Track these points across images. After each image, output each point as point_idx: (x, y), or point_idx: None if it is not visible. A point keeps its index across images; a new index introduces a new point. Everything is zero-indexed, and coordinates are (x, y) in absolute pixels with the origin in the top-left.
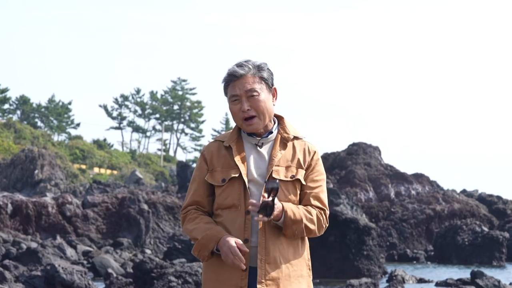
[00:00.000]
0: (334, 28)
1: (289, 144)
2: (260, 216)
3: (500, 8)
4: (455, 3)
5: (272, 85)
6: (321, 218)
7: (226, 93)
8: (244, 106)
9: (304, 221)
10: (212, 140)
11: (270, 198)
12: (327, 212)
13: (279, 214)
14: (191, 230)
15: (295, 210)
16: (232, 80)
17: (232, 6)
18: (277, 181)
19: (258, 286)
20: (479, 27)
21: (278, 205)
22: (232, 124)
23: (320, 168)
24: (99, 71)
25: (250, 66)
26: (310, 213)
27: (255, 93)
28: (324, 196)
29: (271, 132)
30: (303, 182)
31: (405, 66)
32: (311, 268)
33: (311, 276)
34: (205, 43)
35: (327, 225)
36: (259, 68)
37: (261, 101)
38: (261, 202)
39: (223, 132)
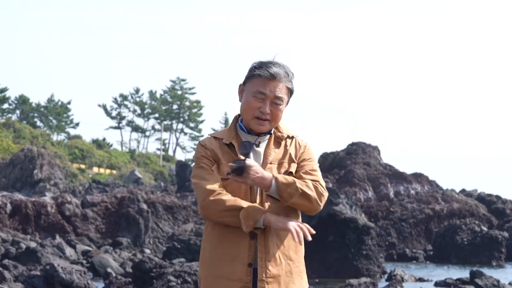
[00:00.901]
0: (334, 28)
1: (282, 143)
2: (233, 175)
3: (500, 8)
4: (455, 3)
5: (290, 97)
6: (318, 186)
7: (249, 81)
8: (266, 109)
9: (298, 184)
10: (209, 136)
11: (241, 157)
12: (322, 183)
13: (266, 182)
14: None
15: (285, 176)
16: (266, 77)
17: (231, 6)
18: (250, 142)
19: (259, 284)
20: (479, 27)
21: (260, 172)
22: (230, 123)
23: (312, 157)
24: (98, 71)
25: (288, 73)
26: (304, 180)
27: (280, 102)
28: (318, 174)
29: (269, 132)
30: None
31: (405, 66)
32: (304, 265)
33: (305, 272)
34: (204, 43)
35: (326, 194)
36: (290, 78)
37: (280, 111)
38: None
39: None
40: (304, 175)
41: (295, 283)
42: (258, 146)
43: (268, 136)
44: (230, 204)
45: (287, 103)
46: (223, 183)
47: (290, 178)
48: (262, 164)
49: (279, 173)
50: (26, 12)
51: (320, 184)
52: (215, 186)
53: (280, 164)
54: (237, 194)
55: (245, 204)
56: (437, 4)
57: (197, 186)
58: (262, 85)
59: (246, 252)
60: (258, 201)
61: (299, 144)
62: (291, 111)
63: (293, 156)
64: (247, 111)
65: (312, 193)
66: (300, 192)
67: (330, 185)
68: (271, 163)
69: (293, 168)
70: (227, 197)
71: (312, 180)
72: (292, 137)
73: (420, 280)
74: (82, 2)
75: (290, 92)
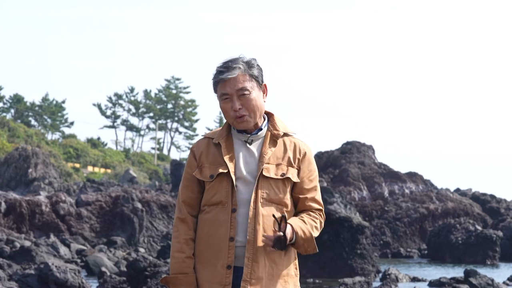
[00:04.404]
0: (329, 27)
1: (279, 141)
2: (274, 248)
3: (499, 7)
4: (452, 2)
5: (262, 81)
6: (322, 220)
7: (215, 90)
8: (236, 105)
9: (314, 234)
10: (202, 137)
11: (281, 233)
12: (322, 207)
13: (290, 237)
14: (173, 254)
15: (304, 228)
16: (221, 79)
17: (226, 5)
18: (284, 214)
19: (242, 284)
20: (472, 24)
21: (288, 228)
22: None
23: (313, 166)
24: (93, 70)
25: (240, 65)
26: (314, 221)
27: (246, 92)
28: (319, 195)
29: (261, 129)
30: (295, 180)
31: (400, 66)
32: (298, 267)
33: (298, 275)
34: (199, 42)
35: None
36: (249, 65)
37: (252, 100)
38: (273, 236)
39: None
40: (311, 203)
41: (276, 286)
42: (250, 144)
43: (260, 133)
44: (173, 255)
45: (263, 91)
46: (206, 186)
47: (307, 231)
48: (258, 163)
49: (276, 174)
50: (20, 11)
51: (323, 214)
52: (186, 196)
53: (278, 166)
54: (219, 195)
55: (179, 260)
56: (433, 4)
57: (176, 202)
58: (222, 87)
59: (226, 254)
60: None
61: (299, 147)
62: (285, 110)
63: (291, 159)
64: (225, 116)
65: (317, 234)
66: (314, 248)
67: (325, 184)
68: (268, 163)
69: (290, 173)
70: (178, 242)
71: (318, 210)
72: (290, 135)
73: (415, 279)
74: (78, 1)
75: (255, 77)
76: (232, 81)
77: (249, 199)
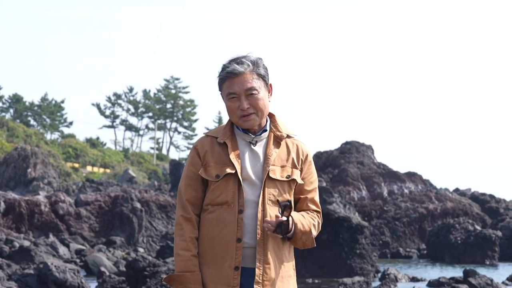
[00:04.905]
0: (329, 27)
1: (282, 143)
2: (276, 233)
3: (499, 7)
4: (452, 2)
5: (268, 81)
6: (320, 221)
7: (221, 88)
8: (244, 105)
9: (312, 230)
10: (204, 135)
11: (285, 218)
12: (320, 208)
13: (290, 227)
14: (178, 252)
15: (303, 221)
16: (229, 77)
17: (226, 5)
18: (290, 199)
19: (255, 286)
20: (471, 24)
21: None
22: (225, 122)
23: (313, 169)
24: (92, 70)
25: (249, 63)
26: (313, 219)
27: (254, 92)
28: (318, 198)
29: (265, 130)
30: (300, 182)
31: (400, 66)
32: (295, 268)
33: (295, 276)
34: (198, 41)
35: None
36: (256, 64)
37: (260, 99)
38: (276, 221)
39: None
40: (310, 204)
41: (285, 287)
42: (255, 145)
43: (264, 134)
44: (178, 253)
45: (269, 90)
46: (210, 185)
47: (306, 225)
48: (264, 165)
49: (281, 176)
50: (20, 11)
51: (321, 216)
52: (189, 196)
53: (283, 167)
54: (225, 195)
55: (185, 258)
56: (433, 4)
57: (177, 200)
58: (230, 86)
59: (233, 256)
60: (258, 196)
61: (302, 150)
62: (285, 110)
63: (295, 161)
64: (231, 115)
65: (315, 234)
66: (312, 242)
67: (324, 184)
68: (273, 165)
69: (295, 175)
70: (184, 240)
71: (316, 212)
72: (292, 137)
73: (414, 279)
74: (78, 1)
75: (262, 77)
76: (240, 80)
77: (255, 200)
